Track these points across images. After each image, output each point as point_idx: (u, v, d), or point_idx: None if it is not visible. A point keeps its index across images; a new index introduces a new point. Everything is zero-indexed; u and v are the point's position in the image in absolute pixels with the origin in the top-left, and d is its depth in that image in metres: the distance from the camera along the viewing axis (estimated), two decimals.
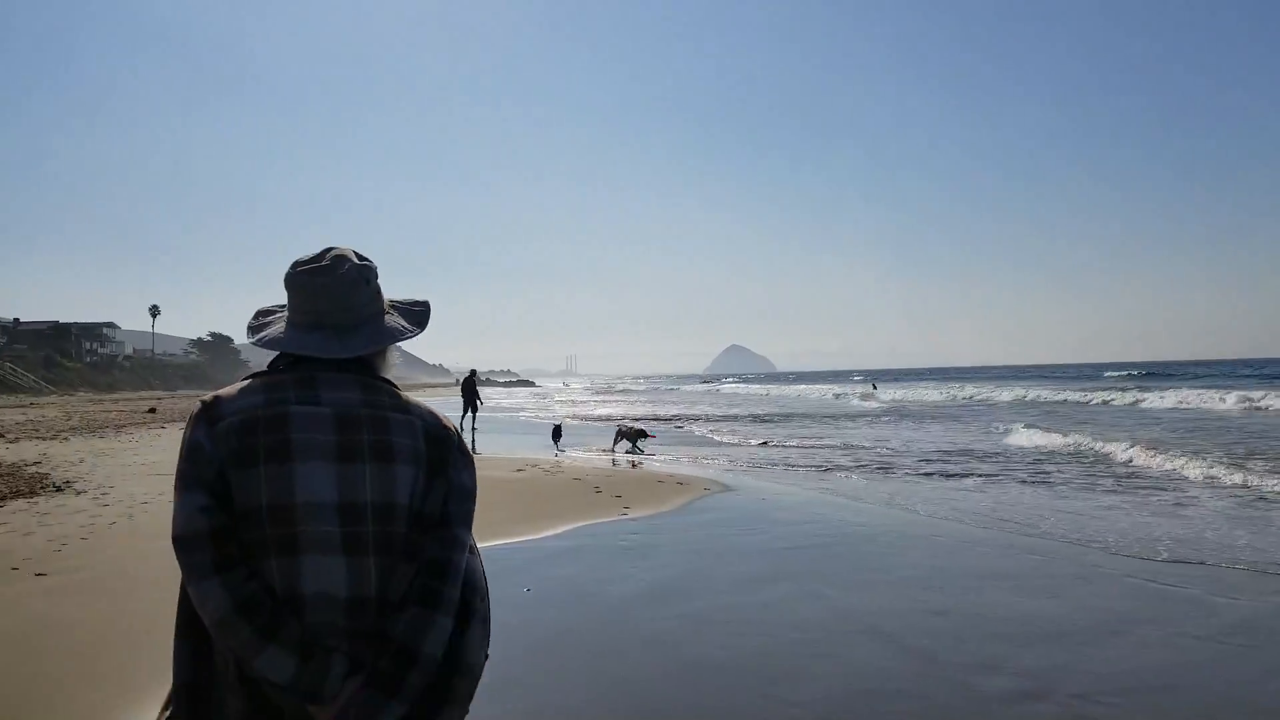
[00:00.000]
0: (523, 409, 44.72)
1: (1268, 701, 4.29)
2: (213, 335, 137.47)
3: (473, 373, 26.81)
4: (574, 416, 35.13)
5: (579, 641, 5.26)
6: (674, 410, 40.13)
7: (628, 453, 17.43)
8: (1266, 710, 4.19)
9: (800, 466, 14.89)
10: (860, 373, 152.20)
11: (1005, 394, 43.54)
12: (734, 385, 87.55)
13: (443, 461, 1.80)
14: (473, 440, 21.61)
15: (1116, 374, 74.13)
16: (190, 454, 1.68)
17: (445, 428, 1.86)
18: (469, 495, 1.84)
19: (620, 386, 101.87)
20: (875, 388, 58.96)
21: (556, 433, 20.13)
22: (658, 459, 16.41)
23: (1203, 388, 37.17)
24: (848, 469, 14.34)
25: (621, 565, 7.29)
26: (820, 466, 14.80)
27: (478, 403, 25.10)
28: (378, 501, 1.70)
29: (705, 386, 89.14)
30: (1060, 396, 39.16)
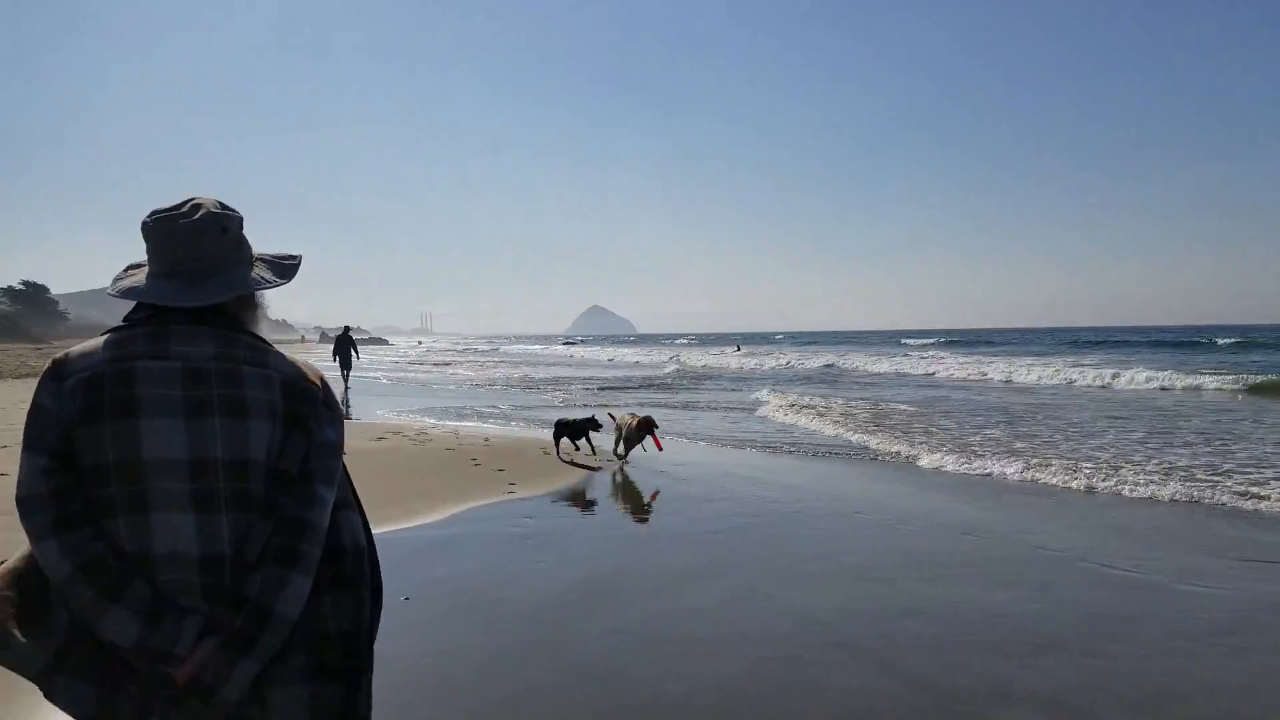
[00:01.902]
0: (379, 368, 42.13)
1: None
2: (26, 284, 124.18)
3: (346, 330, 25.91)
4: (422, 381, 33.24)
5: (488, 676, 4.07)
6: (539, 373, 38.76)
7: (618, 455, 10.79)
8: None
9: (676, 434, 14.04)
10: (696, 336, 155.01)
11: (812, 360, 42.62)
12: (571, 348, 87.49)
13: (302, 416, 1.75)
14: (347, 400, 20.57)
15: (917, 341, 77.24)
16: (35, 415, 1.66)
17: (308, 381, 1.80)
18: (332, 451, 1.79)
19: (478, 347, 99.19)
20: (739, 349, 59.82)
21: (582, 428, 10.84)
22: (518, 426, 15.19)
23: (1008, 356, 39.72)
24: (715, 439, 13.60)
25: (522, 561, 6.11)
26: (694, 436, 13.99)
27: (354, 359, 24.96)
28: (230, 458, 1.66)
29: (541, 348, 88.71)
30: (856, 364, 38.95)
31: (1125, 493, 8.61)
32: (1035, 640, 4.61)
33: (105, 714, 1.64)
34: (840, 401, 19.00)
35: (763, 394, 21.33)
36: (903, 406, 18.04)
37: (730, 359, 46.51)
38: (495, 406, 19.15)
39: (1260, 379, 22.31)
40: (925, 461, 10.70)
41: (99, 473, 1.62)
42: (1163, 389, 22.68)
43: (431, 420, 15.56)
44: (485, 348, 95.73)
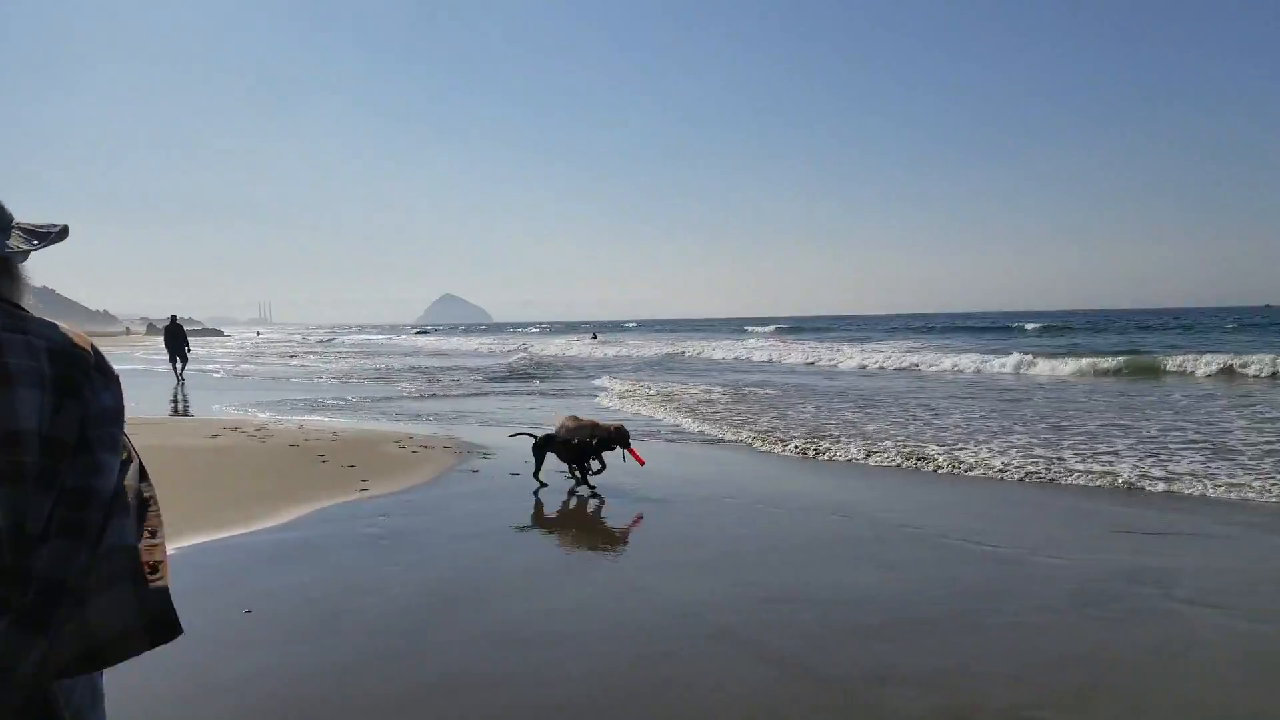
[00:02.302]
0: (215, 360, 39.45)
1: (1207, 696, 3.75)
2: None
3: (173, 319, 24.68)
4: (248, 374, 31.38)
5: (344, 694, 3.66)
6: (382, 364, 37.34)
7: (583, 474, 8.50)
8: (1217, 707, 3.64)
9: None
10: (549, 324, 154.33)
11: (665, 347, 42.73)
12: (423, 337, 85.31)
13: (73, 382, 1.67)
14: (183, 395, 19.30)
15: (761, 329, 79.18)
16: None
17: (76, 347, 1.73)
18: (111, 417, 1.72)
19: (313, 337, 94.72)
20: (595, 336, 59.53)
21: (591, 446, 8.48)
22: (372, 418, 14.46)
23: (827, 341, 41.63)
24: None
25: (376, 565, 5.64)
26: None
27: (186, 351, 23.84)
28: None
29: (385, 337, 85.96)
30: (707, 352, 39.27)
31: (976, 471, 8.96)
32: (909, 618, 4.61)
33: None
34: (699, 388, 19.16)
35: (614, 383, 21.23)
36: (756, 391, 18.37)
37: (586, 348, 46.27)
38: (343, 399, 18.19)
39: (1069, 362, 24.01)
40: (783, 445, 10.82)
41: None
42: (978, 371, 24.22)
43: (272, 415, 14.55)
44: (324, 337, 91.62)
